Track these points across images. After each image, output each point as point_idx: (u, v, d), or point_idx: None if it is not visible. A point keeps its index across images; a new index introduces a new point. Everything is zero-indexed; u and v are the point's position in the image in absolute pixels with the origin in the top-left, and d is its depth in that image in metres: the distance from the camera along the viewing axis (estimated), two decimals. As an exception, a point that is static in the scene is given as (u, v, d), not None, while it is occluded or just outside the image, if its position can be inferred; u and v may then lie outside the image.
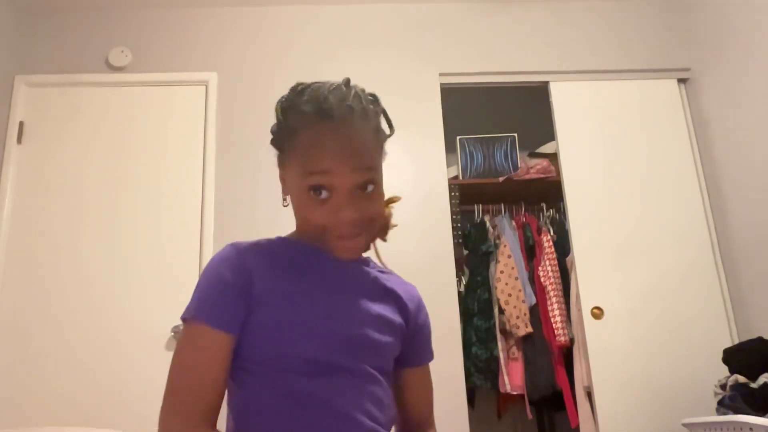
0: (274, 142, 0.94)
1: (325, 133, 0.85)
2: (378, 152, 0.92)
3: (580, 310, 2.63)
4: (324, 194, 0.86)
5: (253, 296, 0.84)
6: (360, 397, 0.85)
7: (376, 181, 0.89)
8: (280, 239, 0.96)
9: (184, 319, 0.84)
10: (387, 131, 0.95)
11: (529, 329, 2.85)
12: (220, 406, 0.81)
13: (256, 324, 0.84)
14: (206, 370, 0.80)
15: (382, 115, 0.95)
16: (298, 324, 0.84)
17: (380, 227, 0.98)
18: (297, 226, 0.95)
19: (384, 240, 1.03)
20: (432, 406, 1.05)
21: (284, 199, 0.96)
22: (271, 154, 0.96)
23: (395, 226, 1.05)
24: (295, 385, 0.82)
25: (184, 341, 0.82)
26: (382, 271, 1.02)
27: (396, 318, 0.95)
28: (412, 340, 0.99)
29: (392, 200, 1.03)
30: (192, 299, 0.85)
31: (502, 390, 2.86)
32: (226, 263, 0.86)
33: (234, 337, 0.83)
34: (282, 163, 0.94)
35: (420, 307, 1.02)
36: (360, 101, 0.89)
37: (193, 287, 0.88)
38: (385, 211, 0.98)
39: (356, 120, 0.87)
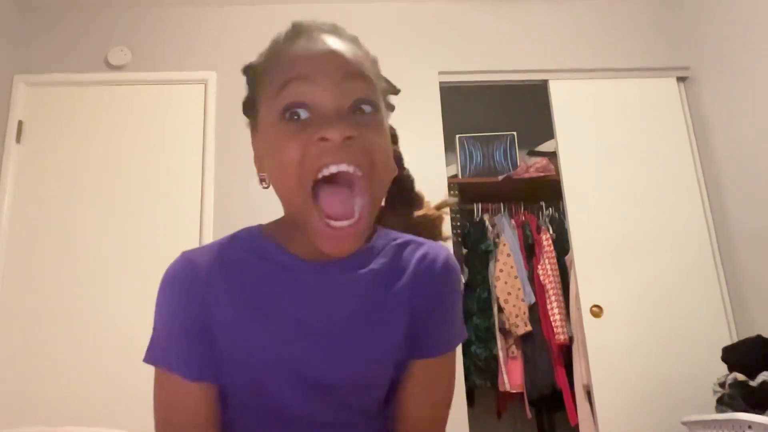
0: (245, 109, 0.78)
1: (299, 45, 0.68)
2: (373, 73, 0.70)
3: (579, 308, 2.63)
4: (303, 115, 0.64)
5: (212, 329, 0.70)
6: None
7: (375, 104, 0.67)
8: (247, 239, 0.75)
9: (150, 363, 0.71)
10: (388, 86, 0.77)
11: (529, 328, 2.85)
12: None
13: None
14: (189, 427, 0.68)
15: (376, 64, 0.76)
16: (255, 372, 0.69)
17: (428, 225, 0.82)
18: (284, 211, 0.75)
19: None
20: (435, 412, 0.77)
21: (262, 180, 0.75)
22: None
23: (448, 238, 0.86)
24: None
25: (158, 392, 0.70)
26: (386, 251, 0.76)
27: (396, 331, 0.74)
28: (418, 327, 0.75)
29: (445, 204, 0.87)
30: (151, 341, 0.72)
31: (501, 389, 2.87)
32: (177, 296, 0.71)
33: (211, 384, 0.70)
34: (254, 127, 0.76)
35: (434, 289, 0.76)
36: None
37: None
38: (392, 162, 0.72)
39: (339, 34, 0.72)
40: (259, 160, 0.76)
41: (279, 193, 0.69)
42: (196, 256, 0.73)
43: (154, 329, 0.72)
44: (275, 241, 0.74)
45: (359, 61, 0.68)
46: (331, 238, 0.64)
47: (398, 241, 0.78)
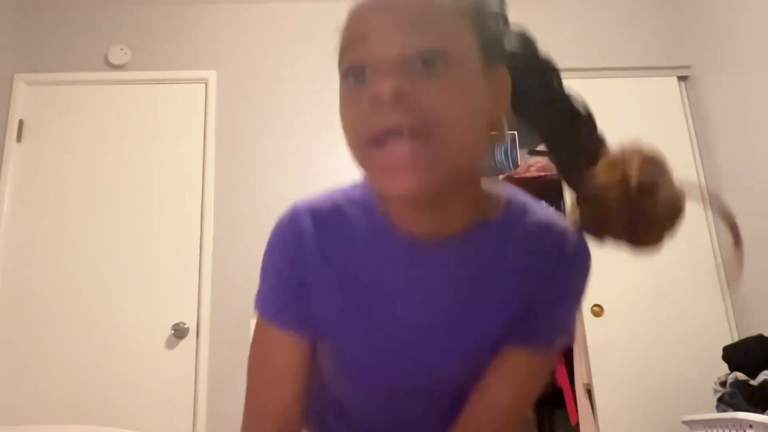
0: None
1: (365, 2, 0.59)
2: (458, 24, 0.57)
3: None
4: (366, 76, 0.56)
5: (311, 291, 0.67)
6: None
7: (448, 55, 0.55)
8: (362, 202, 0.67)
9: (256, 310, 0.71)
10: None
11: (529, 327, 2.85)
12: (298, 420, 0.69)
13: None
14: (278, 383, 0.67)
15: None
16: (342, 357, 0.68)
17: (662, 210, 0.60)
18: None
19: (667, 235, 0.62)
20: (512, 413, 0.68)
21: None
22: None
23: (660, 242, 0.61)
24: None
25: (258, 349, 0.70)
26: (510, 223, 0.65)
27: (501, 317, 0.65)
28: (531, 310, 0.66)
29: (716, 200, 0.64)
30: (258, 290, 0.71)
31: (502, 388, 2.86)
32: (281, 250, 0.67)
33: (304, 336, 0.67)
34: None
35: (557, 271, 0.67)
36: None
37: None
38: (482, 109, 0.58)
39: None
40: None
41: (352, 153, 0.61)
42: (309, 211, 0.67)
43: (261, 279, 0.70)
44: (385, 214, 0.65)
45: (435, 12, 0.56)
46: (384, 172, 0.55)
47: (515, 204, 0.67)
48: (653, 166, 0.64)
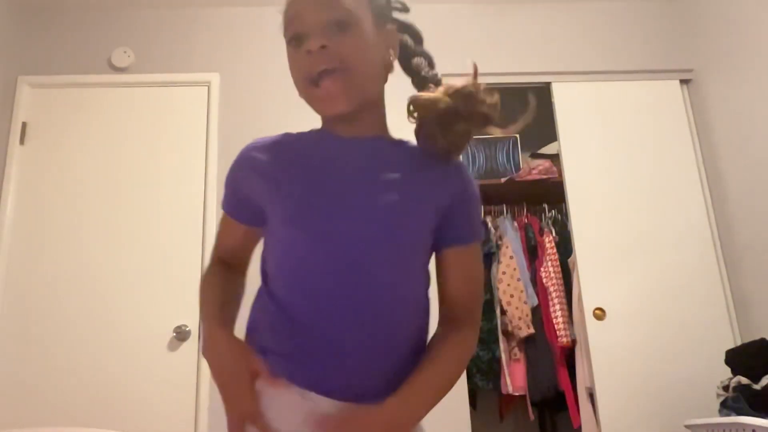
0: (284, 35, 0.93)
1: None
2: (358, 2, 0.87)
3: (582, 311, 2.62)
4: (301, 41, 0.85)
5: (258, 193, 0.90)
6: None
7: (353, 21, 0.85)
8: (302, 133, 0.97)
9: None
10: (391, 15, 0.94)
11: (531, 330, 2.85)
12: (240, 261, 0.99)
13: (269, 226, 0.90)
14: (222, 242, 0.99)
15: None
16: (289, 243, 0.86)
17: (467, 100, 0.84)
18: None
19: (487, 121, 0.86)
20: (472, 298, 0.92)
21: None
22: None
23: (494, 117, 0.85)
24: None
25: (222, 217, 0.99)
26: (411, 147, 0.93)
27: (428, 211, 0.86)
28: (449, 217, 0.89)
29: (476, 71, 0.88)
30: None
31: (503, 391, 2.86)
32: (237, 163, 0.94)
33: (247, 225, 0.94)
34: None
35: (464, 179, 0.92)
36: None
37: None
38: (378, 56, 0.90)
39: None
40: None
41: (299, 93, 0.91)
42: (252, 147, 0.94)
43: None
44: (326, 126, 0.94)
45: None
46: (320, 97, 0.86)
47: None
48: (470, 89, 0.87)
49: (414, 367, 0.83)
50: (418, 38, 1.00)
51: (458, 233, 0.90)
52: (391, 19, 0.95)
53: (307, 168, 0.88)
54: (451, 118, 0.85)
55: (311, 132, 0.95)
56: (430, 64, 0.99)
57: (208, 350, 0.86)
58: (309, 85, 0.85)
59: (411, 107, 0.88)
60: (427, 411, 0.82)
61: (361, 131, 0.91)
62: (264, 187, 0.88)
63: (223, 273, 0.95)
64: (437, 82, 0.94)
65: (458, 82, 0.87)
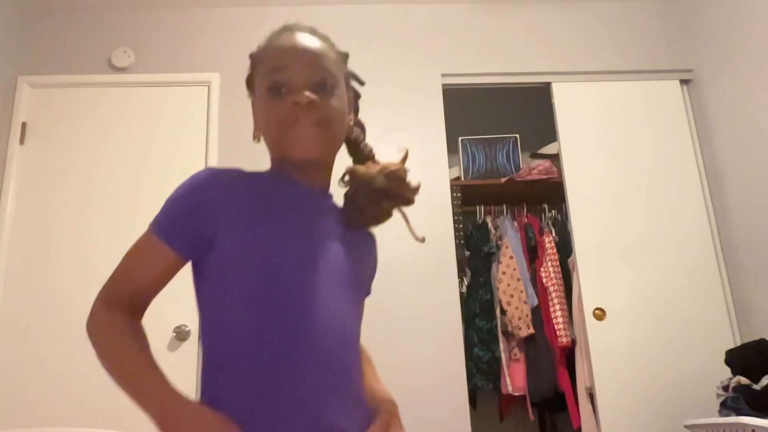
0: (247, 83, 1.00)
1: (283, 40, 0.94)
2: (337, 67, 0.95)
3: (582, 311, 2.63)
4: (283, 91, 0.89)
5: (213, 228, 0.85)
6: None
7: (334, 84, 0.92)
8: (256, 173, 0.95)
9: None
10: (355, 85, 1.01)
11: (531, 330, 2.85)
12: (144, 303, 0.89)
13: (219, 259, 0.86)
14: (129, 276, 0.88)
15: (344, 62, 1.01)
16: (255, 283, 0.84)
17: (394, 178, 0.94)
18: (271, 159, 0.98)
19: (407, 203, 0.97)
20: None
21: (255, 138, 1.00)
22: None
23: (416, 190, 0.97)
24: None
25: (134, 245, 0.91)
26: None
27: (367, 252, 1.00)
28: (371, 274, 1.05)
29: (405, 155, 0.98)
30: (156, 217, 0.91)
31: (503, 391, 2.86)
32: (196, 187, 0.87)
33: (178, 255, 0.86)
34: (253, 97, 0.99)
35: (374, 252, 1.05)
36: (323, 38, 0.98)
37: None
38: (347, 120, 0.97)
39: (315, 36, 0.96)
40: (255, 120, 1.00)
41: (267, 140, 0.96)
42: (214, 174, 0.89)
43: (163, 206, 0.89)
44: (283, 171, 0.95)
45: (322, 54, 0.93)
46: (298, 137, 0.88)
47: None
48: (397, 170, 0.96)
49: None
50: (357, 108, 1.06)
51: (368, 287, 1.04)
52: (350, 86, 1.02)
53: (278, 211, 0.88)
54: (381, 196, 0.95)
55: (267, 173, 0.96)
56: (364, 132, 1.05)
57: (185, 427, 0.77)
58: (288, 127, 0.89)
59: (347, 177, 0.97)
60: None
61: (317, 182, 0.95)
62: (232, 219, 0.84)
63: (133, 325, 0.87)
64: (372, 158, 1.01)
65: (391, 165, 0.96)
